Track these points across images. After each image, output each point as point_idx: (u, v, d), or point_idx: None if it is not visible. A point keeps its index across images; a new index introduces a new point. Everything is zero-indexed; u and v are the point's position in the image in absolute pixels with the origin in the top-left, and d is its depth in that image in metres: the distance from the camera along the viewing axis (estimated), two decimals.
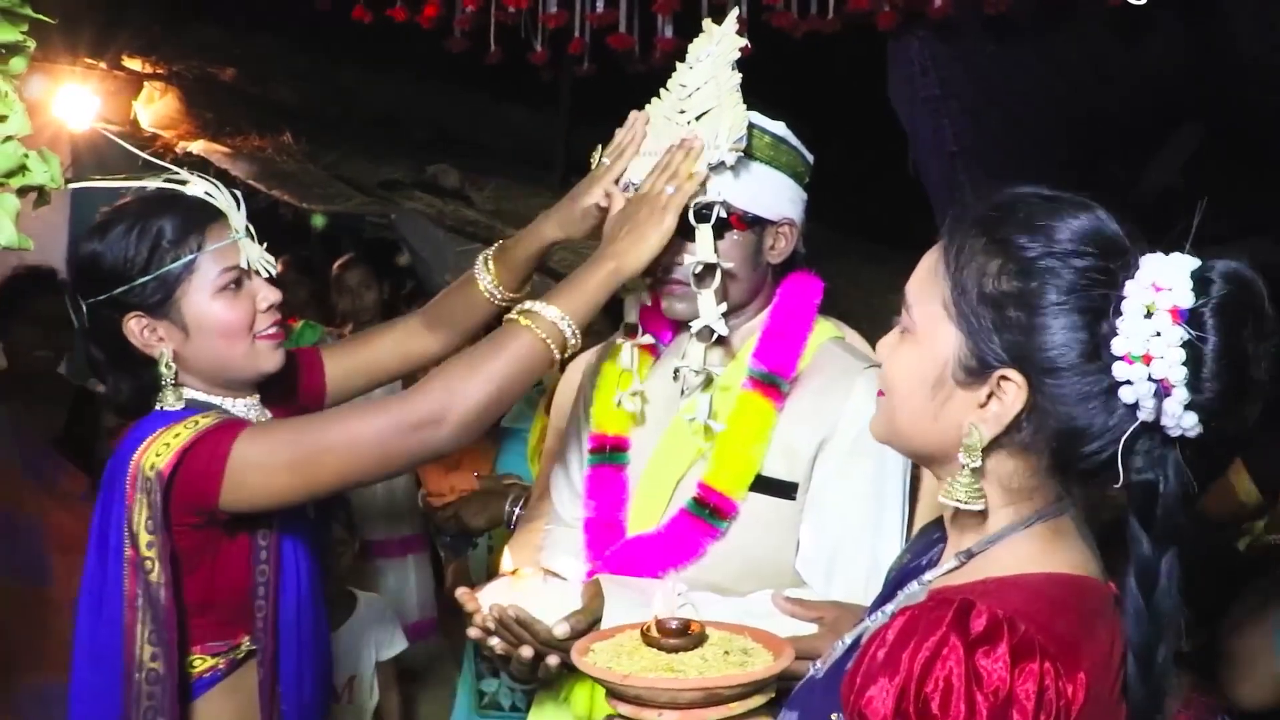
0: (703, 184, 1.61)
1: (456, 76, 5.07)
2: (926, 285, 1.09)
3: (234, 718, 1.61)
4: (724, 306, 1.64)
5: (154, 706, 1.52)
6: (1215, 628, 2.05)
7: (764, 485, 1.64)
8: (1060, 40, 4.09)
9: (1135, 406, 0.99)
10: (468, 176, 4.89)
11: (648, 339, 1.77)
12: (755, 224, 1.66)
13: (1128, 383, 0.98)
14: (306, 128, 5.06)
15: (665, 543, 1.65)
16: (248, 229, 1.63)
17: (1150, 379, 0.97)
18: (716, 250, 1.62)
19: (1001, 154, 4.39)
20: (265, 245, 1.65)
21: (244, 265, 1.61)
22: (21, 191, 1.60)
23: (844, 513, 1.63)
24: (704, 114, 1.63)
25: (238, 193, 1.66)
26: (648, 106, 1.72)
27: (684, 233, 1.63)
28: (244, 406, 1.68)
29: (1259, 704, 1.95)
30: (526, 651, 1.56)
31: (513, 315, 1.55)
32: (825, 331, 1.74)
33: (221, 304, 1.60)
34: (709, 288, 1.63)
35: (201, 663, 1.59)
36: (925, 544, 1.23)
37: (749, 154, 1.62)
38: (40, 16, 1.51)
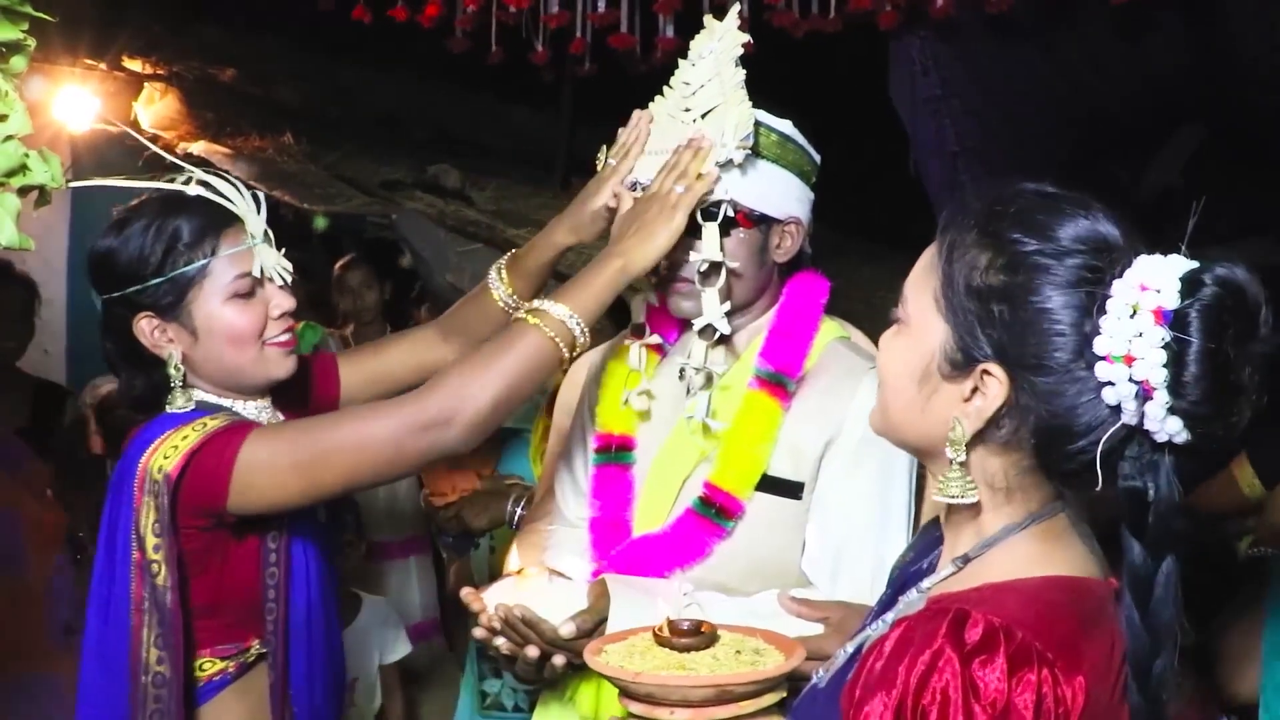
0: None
1: (458, 77, 5.07)
2: (921, 279, 1.09)
3: (250, 717, 1.60)
4: (727, 305, 1.64)
5: (160, 710, 1.51)
6: (1211, 626, 2.05)
7: (770, 485, 1.63)
8: (1061, 40, 4.09)
9: (1118, 409, 0.98)
10: (469, 177, 4.89)
11: (654, 339, 1.76)
12: (762, 222, 1.66)
13: (1110, 384, 0.97)
14: (307, 128, 5.06)
15: (671, 542, 1.65)
16: (266, 234, 1.61)
17: (1131, 380, 0.96)
18: (723, 248, 1.61)
19: (1002, 154, 4.39)
20: (283, 251, 1.64)
21: (256, 273, 1.59)
22: (22, 191, 1.59)
23: (850, 512, 1.63)
24: (709, 111, 1.62)
25: (260, 196, 1.64)
26: (651, 105, 1.71)
27: (690, 231, 1.62)
28: (254, 409, 1.67)
29: (1251, 700, 1.95)
30: (532, 651, 1.56)
31: (521, 314, 1.54)
32: (831, 331, 1.73)
33: (233, 310, 1.59)
34: (713, 286, 1.62)
35: (211, 666, 1.58)
36: (928, 543, 1.23)
37: (756, 152, 1.61)
38: (40, 15, 1.51)
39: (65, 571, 2.55)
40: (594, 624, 1.55)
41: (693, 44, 1.70)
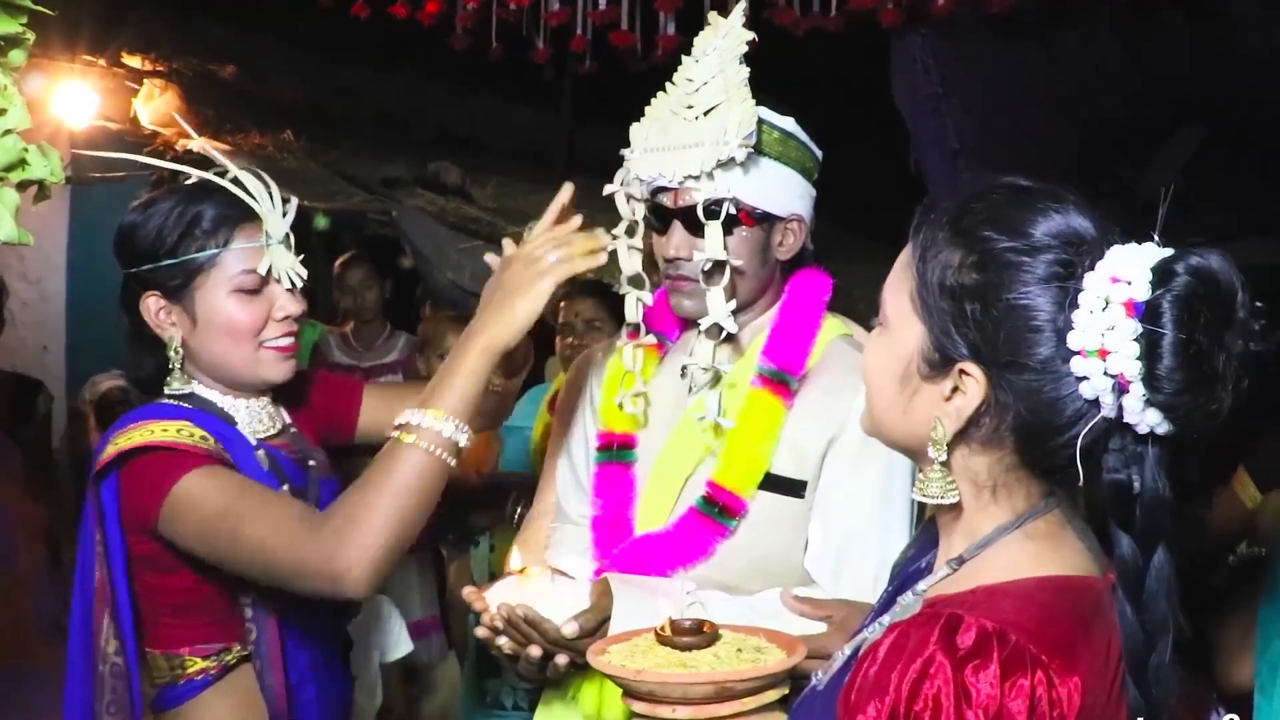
0: (711, 179, 1.59)
1: (458, 74, 5.07)
2: (898, 279, 1.08)
3: (234, 716, 1.59)
4: (733, 304, 1.63)
5: (115, 701, 1.52)
6: (1206, 622, 2.06)
7: (773, 483, 1.63)
8: (1062, 39, 4.09)
9: (1096, 403, 0.97)
10: (469, 174, 4.89)
11: (651, 339, 1.76)
12: (764, 220, 1.65)
13: (1085, 378, 0.96)
14: (307, 125, 5.06)
15: (674, 541, 1.64)
16: (287, 238, 1.61)
17: (1106, 374, 0.95)
18: (726, 247, 1.60)
19: (1002, 151, 4.40)
20: (301, 258, 1.63)
21: (262, 271, 1.59)
22: (21, 186, 1.59)
23: (852, 511, 1.62)
24: (712, 109, 1.61)
25: (291, 200, 1.64)
26: (654, 101, 1.70)
27: (693, 229, 1.61)
28: (245, 409, 1.66)
29: (1248, 688, 1.97)
30: (535, 651, 1.55)
31: (393, 433, 1.43)
32: (834, 328, 1.73)
33: (235, 303, 1.59)
34: (718, 285, 1.62)
35: (193, 664, 1.57)
36: (927, 541, 1.23)
37: (758, 150, 1.61)
38: (39, 8, 1.50)
39: (48, 565, 2.55)
40: (596, 623, 1.54)
41: (697, 40, 1.69)
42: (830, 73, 4.22)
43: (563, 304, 3.33)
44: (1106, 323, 0.94)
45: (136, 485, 1.50)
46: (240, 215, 1.59)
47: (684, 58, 1.69)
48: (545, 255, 1.46)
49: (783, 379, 1.66)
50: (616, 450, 1.74)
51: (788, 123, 1.66)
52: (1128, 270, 0.95)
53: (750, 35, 1.63)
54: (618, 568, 1.65)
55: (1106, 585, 1.05)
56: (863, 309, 1.97)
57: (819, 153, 1.71)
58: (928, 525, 1.28)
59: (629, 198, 1.70)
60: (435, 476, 1.42)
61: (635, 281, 1.71)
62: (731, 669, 1.22)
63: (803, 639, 1.34)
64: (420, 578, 3.80)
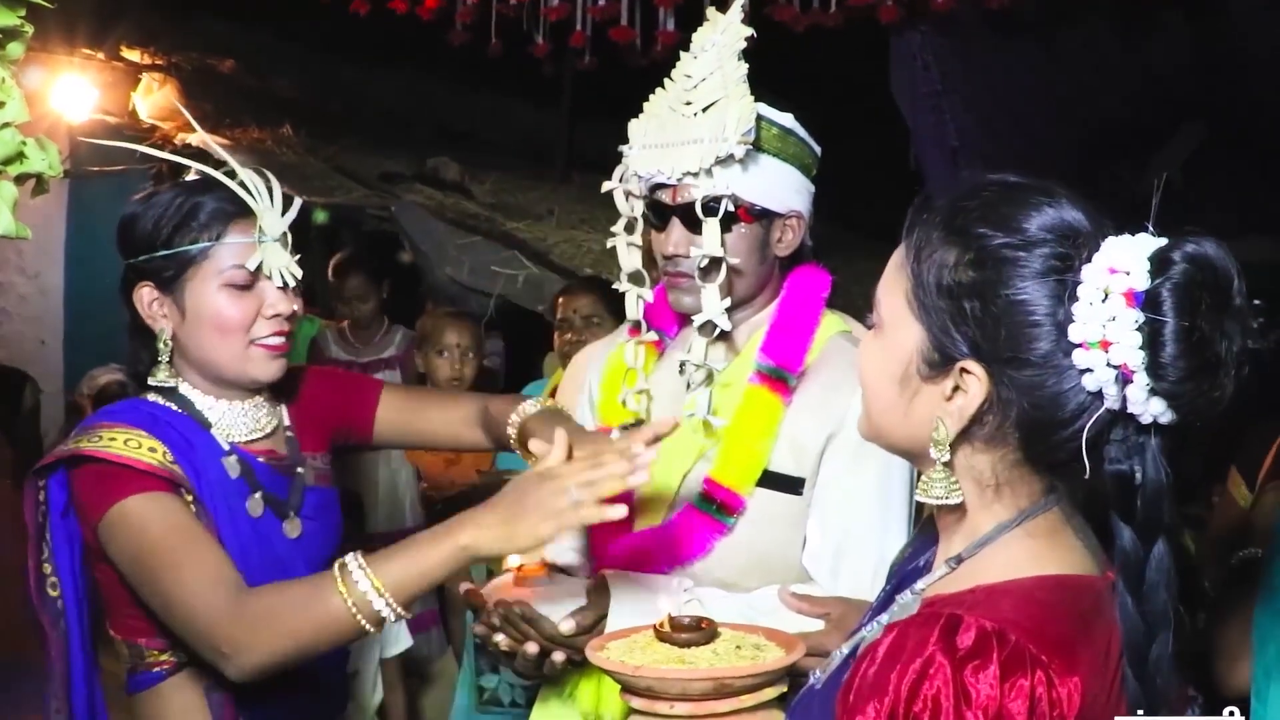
0: (710, 176, 1.59)
1: (457, 70, 5.07)
2: (892, 280, 1.08)
3: (185, 714, 1.58)
4: (728, 301, 1.63)
5: (55, 693, 1.57)
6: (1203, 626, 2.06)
7: (771, 480, 1.63)
8: (1062, 37, 4.09)
9: (1100, 394, 0.97)
10: (468, 170, 4.89)
11: (652, 335, 1.76)
12: (763, 217, 1.65)
13: (1088, 370, 0.96)
14: (306, 120, 5.06)
15: (671, 538, 1.64)
16: (284, 235, 1.60)
17: (1109, 365, 0.94)
18: (724, 244, 1.60)
19: (1001, 149, 4.40)
20: (299, 258, 1.62)
21: (251, 267, 1.57)
22: (20, 179, 1.59)
23: (851, 508, 1.62)
24: (711, 105, 1.61)
25: (295, 200, 1.63)
26: (653, 97, 1.70)
27: (691, 226, 1.61)
28: (225, 411, 1.63)
29: (1246, 690, 1.97)
30: (532, 648, 1.55)
31: (335, 571, 1.40)
32: (833, 325, 1.73)
33: (225, 298, 1.57)
34: (714, 282, 1.61)
35: (151, 655, 1.57)
36: (925, 540, 1.22)
37: (757, 146, 1.60)
38: (39, 1, 1.50)
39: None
40: (594, 620, 1.55)
41: (695, 36, 1.68)
42: (829, 69, 4.22)
43: (561, 299, 3.33)
44: (1107, 314, 0.94)
45: (83, 490, 1.51)
46: (236, 210, 1.58)
47: (682, 54, 1.68)
48: (571, 489, 1.36)
49: (781, 376, 1.65)
50: None
51: (786, 119, 1.66)
52: (1125, 260, 0.95)
53: (749, 31, 1.63)
54: (615, 565, 1.65)
55: (1106, 584, 1.04)
56: (862, 305, 1.96)
57: (818, 149, 1.71)
58: (927, 523, 1.27)
59: (628, 194, 1.70)
60: (346, 633, 1.40)
61: (635, 278, 1.71)
62: (730, 666, 1.22)
63: (801, 636, 1.34)
64: None
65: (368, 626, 1.38)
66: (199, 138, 1.79)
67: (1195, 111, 4.32)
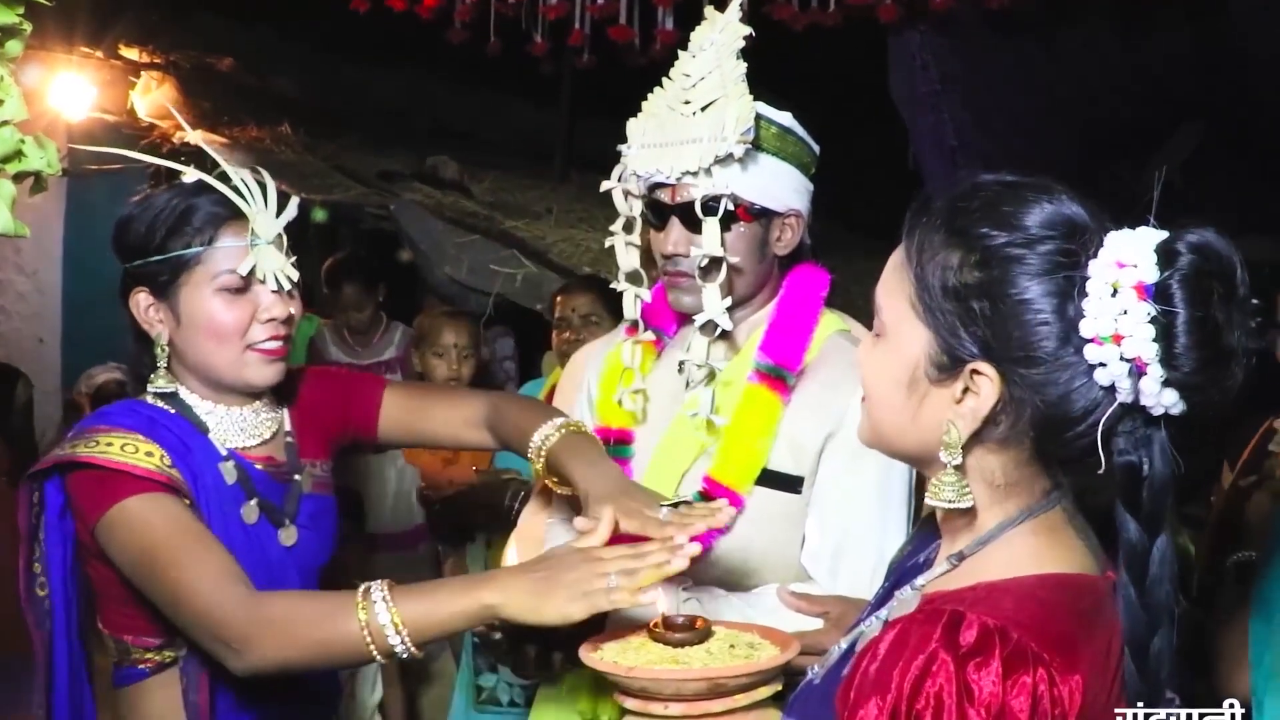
0: (709, 175, 1.59)
1: (456, 69, 5.07)
2: (892, 285, 1.07)
3: (164, 712, 1.58)
4: (728, 300, 1.63)
5: (44, 683, 1.58)
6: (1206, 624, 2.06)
7: (770, 479, 1.63)
8: (1061, 36, 4.09)
9: (1112, 388, 0.97)
10: (467, 168, 4.89)
11: (649, 335, 1.75)
12: (762, 216, 1.65)
13: (1101, 365, 0.96)
14: (305, 119, 5.05)
15: None
16: (279, 238, 1.58)
17: (1123, 359, 0.95)
18: (723, 243, 1.60)
19: (1000, 149, 4.39)
20: (295, 259, 1.61)
21: (244, 271, 1.55)
22: (18, 178, 1.58)
23: (850, 507, 1.62)
24: (709, 104, 1.61)
25: (291, 200, 1.62)
26: (651, 97, 1.70)
27: (691, 225, 1.61)
28: (223, 417, 1.62)
29: (1245, 697, 1.97)
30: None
31: (358, 595, 1.39)
32: (832, 324, 1.73)
33: (219, 303, 1.56)
34: (714, 281, 1.61)
35: (136, 653, 1.57)
36: (925, 537, 1.22)
37: (756, 145, 1.60)
38: None
39: None
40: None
41: (693, 36, 1.68)
42: (828, 68, 4.22)
43: (559, 298, 3.33)
44: (1119, 308, 0.94)
45: (80, 494, 1.51)
46: (230, 213, 1.57)
47: (681, 53, 1.68)
48: (607, 575, 1.33)
49: (780, 374, 1.65)
50: (613, 446, 1.73)
51: (785, 118, 1.66)
52: (1131, 254, 0.95)
53: (747, 30, 1.62)
54: None
55: (1106, 584, 1.05)
56: (861, 304, 1.96)
57: (816, 148, 1.71)
58: (926, 521, 1.27)
59: (626, 194, 1.70)
60: (354, 657, 1.40)
61: (633, 278, 1.70)
62: (724, 665, 1.22)
63: (799, 635, 1.34)
64: (417, 574, 3.80)
65: (378, 656, 1.37)
66: (193, 138, 1.78)
67: (1195, 111, 4.32)
